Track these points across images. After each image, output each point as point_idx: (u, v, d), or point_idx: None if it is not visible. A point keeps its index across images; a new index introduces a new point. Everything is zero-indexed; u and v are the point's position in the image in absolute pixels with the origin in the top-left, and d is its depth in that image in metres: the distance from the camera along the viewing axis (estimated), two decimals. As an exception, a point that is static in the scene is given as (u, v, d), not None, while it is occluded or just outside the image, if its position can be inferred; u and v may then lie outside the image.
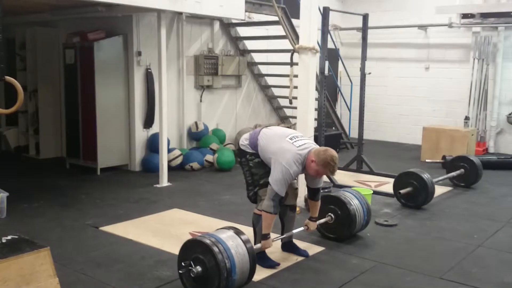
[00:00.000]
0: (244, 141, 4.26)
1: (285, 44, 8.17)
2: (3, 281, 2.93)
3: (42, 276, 3.09)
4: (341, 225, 4.75)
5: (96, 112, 7.38)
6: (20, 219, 5.28)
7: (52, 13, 7.36)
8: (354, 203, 4.76)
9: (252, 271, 3.64)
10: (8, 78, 3.16)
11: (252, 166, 4.17)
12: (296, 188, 4.42)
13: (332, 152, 3.96)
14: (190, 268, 3.51)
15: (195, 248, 3.56)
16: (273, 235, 4.31)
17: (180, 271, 3.62)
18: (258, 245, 4.04)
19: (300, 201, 5.68)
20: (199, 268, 3.48)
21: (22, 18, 7.95)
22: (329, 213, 4.77)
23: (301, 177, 5.04)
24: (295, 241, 4.57)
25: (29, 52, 8.42)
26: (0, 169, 7.49)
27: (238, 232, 3.69)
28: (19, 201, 5.78)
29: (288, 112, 10.09)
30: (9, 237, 3.26)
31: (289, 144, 4.01)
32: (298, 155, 3.95)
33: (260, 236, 4.13)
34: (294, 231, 4.45)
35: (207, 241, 3.48)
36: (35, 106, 8.51)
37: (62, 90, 8.19)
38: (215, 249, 3.42)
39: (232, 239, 3.57)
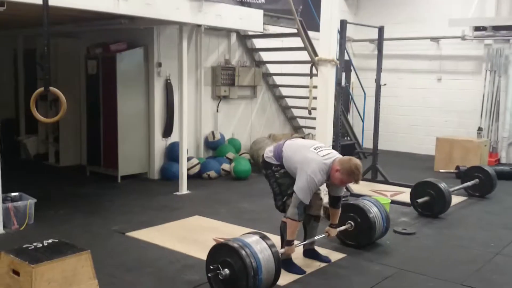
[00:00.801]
0: (268, 153, 4.41)
1: (300, 55, 8.38)
2: (47, 282, 3.08)
3: (83, 278, 3.24)
4: (361, 232, 4.87)
5: (118, 121, 7.55)
6: (48, 226, 5.43)
7: (75, 24, 7.54)
8: (374, 211, 4.88)
9: (277, 274, 3.77)
10: (52, 89, 3.31)
11: (279, 177, 4.31)
12: (321, 199, 4.53)
13: (356, 161, 4.09)
14: (218, 271, 3.63)
15: (222, 252, 3.69)
16: (295, 242, 4.44)
17: (209, 275, 3.74)
18: (282, 250, 4.16)
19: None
20: (227, 271, 3.61)
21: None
22: (349, 221, 4.89)
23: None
24: (316, 247, 4.69)
25: (50, 62, 8.58)
26: (21, 177, 7.65)
27: (264, 237, 3.82)
28: (45, 208, 5.91)
29: (302, 122, 10.23)
30: (50, 241, 3.41)
31: (314, 154, 4.15)
32: (323, 164, 4.09)
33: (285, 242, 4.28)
34: (316, 237, 4.57)
35: (235, 245, 3.62)
36: (55, 114, 8.66)
37: (83, 99, 8.37)
38: (243, 252, 3.56)
39: (258, 243, 3.71)
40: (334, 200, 4.48)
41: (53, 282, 3.09)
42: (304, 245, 4.59)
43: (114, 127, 7.59)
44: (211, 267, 3.72)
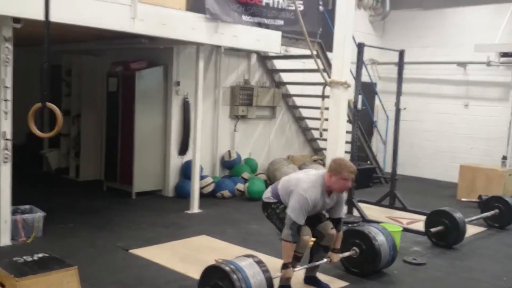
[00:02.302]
0: (266, 194, 4.44)
1: (320, 77, 8.34)
2: (32, 296, 3.08)
3: (68, 293, 3.24)
4: (365, 260, 4.74)
5: (135, 138, 7.64)
6: (54, 239, 5.49)
7: (97, 42, 7.74)
8: (379, 239, 4.74)
9: None
10: (49, 104, 3.37)
11: (279, 212, 4.25)
12: (333, 228, 4.35)
13: (338, 157, 4.23)
14: None
15: (215, 274, 3.65)
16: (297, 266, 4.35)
17: None
18: (279, 274, 4.07)
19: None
20: None
21: (69, 46, 8.39)
22: (354, 247, 4.76)
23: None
24: (318, 274, 4.57)
25: (74, 79, 8.84)
26: (40, 190, 7.83)
27: (258, 261, 3.76)
28: (55, 221, 5.99)
29: (322, 144, 10.12)
30: (40, 255, 3.44)
31: (303, 174, 4.23)
32: (312, 181, 4.06)
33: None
34: (317, 263, 4.45)
35: (227, 268, 3.56)
36: (77, 130, 8.88)
37: (104, 116, 8.52)
38: (234, 276, 3.50)
39: (251, 267, 3.65)
40: (335, 222, 4.37)
41: (37, 296, 3.09)
42: (305, 270, 4.49)
43: (131, 144, 7.68)
44: None
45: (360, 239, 4.77)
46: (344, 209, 4.43)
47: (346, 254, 4.71)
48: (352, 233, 4.84)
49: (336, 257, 4.47)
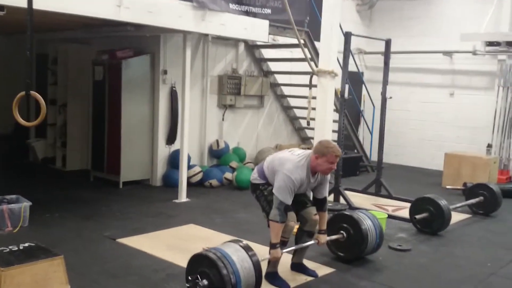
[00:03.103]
0: (253, 175, 4.42)
1: (308, 66, 8.34)
2: (17, 285, 3.09)
3: (54, 283, 3.25)
4: (352, 244, 4.77)
5: (121, 127, 7.60)
6: (41, 228, 5.47)
7: (83, 30, 7.65)
8: (367, 223, 4.77)
9: (258, 284, 3.71)
10: (32, 93, 3.35)
11: (267, 194, 4.24)
12: (316, 214, 4.40)
13: (325, 140, 4.26)
14: (196, 281, 3.59)
15: (201, 262, 3.65)
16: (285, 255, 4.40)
17: (187, 285, 3.71)
18: (267, 256, 4.08)
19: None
20: (205, 282, 3.56)
21: (54, 35, 8.28)
22: (341, 231, 4.79)
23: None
24: (305, 261, 4.62)
25: (60, 67, 8.75)
26: (27, 180, 7.79)
27: (244, 246, 3.76)
28: (42, 211, 5.98)
29: (310, 133, 10.14)
30: (26, 244, 3.44)
31: (289, 154, 4.22)
32: (298, 161, 4.08)
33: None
34: (305, 244, 4.45)
35: (213, 256, 3.57)
36: (63, 119, 8.81)
37: (90, 105, 8.46)
38: (220, 263, 3.51)
39: (238, 253, 3.65)
40: (320, 202, 4.41)
41: (22, 285, 3.10)
42: (292, 255, 4.54)
43: (118, 133, 7.64)
44: (189, 278, 3.68)
45: (348, 223, 4.79)
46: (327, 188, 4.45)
47: (334, 237, 4.74)
48: (340, 218, 4.87)
49: (323, 238, 4.49)
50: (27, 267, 3.11)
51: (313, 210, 4.37)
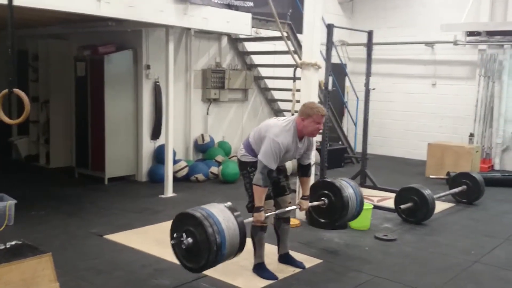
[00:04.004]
0: (240, 152, 4.37)
1: (292, 59, 8.36)
2: (5, 284, 3.06)
3: (43, 281, 3.22)
4: (333, 211, 4.74)
5: (105, 123, 7.55)
6: (26, 226, 5.43)
7: (63, 26, 7.57)
8: (349, 192, 4.73)
9: (242, 245, 3.71)
10: (16, 90, 3.32)
11: (253, 178, 4.24)
12: (290, 202, 4.46)
13: (309, 102, 4.29)
14: (181, 239, 3.59)
15: (187, 221, 3.62)
16: (271, 247, 4.43)
17: (172, 242, 3.71)
18: (250, 219, 4.07)
19: (301, 214, 5.79)
20: (190, 240, 3.56)
21: (35, 31, 8.18)
22: (323, 198, 4.77)
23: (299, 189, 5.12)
24: (292, 253, 4.66)
25: (42, 64, 8.64)
26: (10, 178, 7.69)
27: (229, 207, 3.75)
28: (27, 209, 5.92)
29: (295, 126, 10.18)
30: (13, 243, 3.40)
31: (275, 121, 4.25)
32: (284, 126, 4.11)
33: (258, 245, 4.29)
34: (287, 209, 4.43)
35: (198, 215, 3.56)
36: (46, 116, 8.72)
37: (73, 101, 8.38)
38: (206, 222, 3.50)
39: (223, 213, 3.64)
40: (304, 168, 4.45)
41: (11, 284, 3.07)
42: (277, 247, 4.57)
43: (102, 129, 7.59)
44: (175, 235, 3.68)
45: (330, 190, 4.76)
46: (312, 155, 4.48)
47: (315, 203, 4.73)
48: (322, 185, 4.87)
49: (305, 204, 4.52)
50: (15, 266, 3.09)
51: (288, 199, 4.43)
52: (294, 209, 4.55)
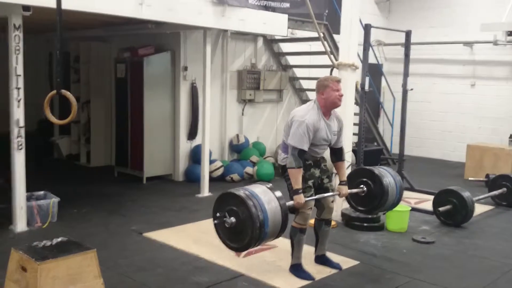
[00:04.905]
0: (279, 157, 4.39)
1: (328, 59, 8.35)
2: (53, 279, 3.18)
3: (88, 276, 3.33)
4: (372, 199, 4.62)
5: (144, 123, 7.72)
6: (69, 223, 5.61)
7: (104, 29, 7.77)
8: (388, 180, 4.61)
9: (284, 226, 3.72)
10: (64, 91, 3.44)
11: None
12: (332, 201, 4.47)
13: (319, 78, 4.30)
14: (224, 219, 3.63)
15: (229, 201, 3.66)
16: (307, 247, 4.45)
17: (215, 221, 3.75)
18: (291, 202, 4.05)
19: (337, 215, 5.78)
20: (233, 219, 3.60)
21: (77, 33, 8.43)
22: (362, 185, 4.67)
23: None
24: (328, 254, 4.66)
25: (83, 65, 8.90)
26: (52, 176, 7.95)
27: (271, 188, 3.77)
28: (69, 207, 6.11)
29: (330, 126, 10.15)
30: (59, 239, 3.52)
31: (297, 108, 4.37)
32: (307, 107, 4.20)
33: (296, 246, 4.30)
34: (326, 194, 4.38)
35: (242, 194, 3.60)
36: (87, 116, 8.97)
37: (113, 102, 8.59)
38: (250, 202, 3.54)
39: (266, 194, 3.67)
40: (337, 152, 4.44)
41: (58, 279, 3.19)
42: (315, 248, 4.58)
43: (141, 129, 7.76)
44: (218, 214, 3.71)
45: (369, 177, 4.65)
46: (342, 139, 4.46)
47: (354, 190, 4.63)
48: (361, 172, 4.77)
49: (344, 189, 4.44)
50: (62, 261, 3.20)
51: (331, 198, 4.41)
52: (334, 196, 4.50)
